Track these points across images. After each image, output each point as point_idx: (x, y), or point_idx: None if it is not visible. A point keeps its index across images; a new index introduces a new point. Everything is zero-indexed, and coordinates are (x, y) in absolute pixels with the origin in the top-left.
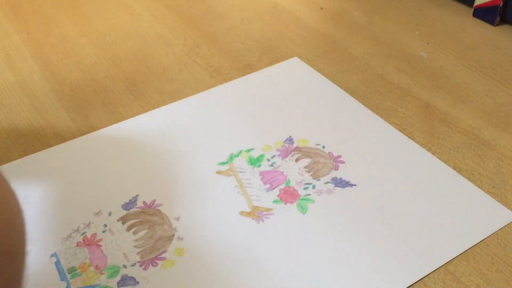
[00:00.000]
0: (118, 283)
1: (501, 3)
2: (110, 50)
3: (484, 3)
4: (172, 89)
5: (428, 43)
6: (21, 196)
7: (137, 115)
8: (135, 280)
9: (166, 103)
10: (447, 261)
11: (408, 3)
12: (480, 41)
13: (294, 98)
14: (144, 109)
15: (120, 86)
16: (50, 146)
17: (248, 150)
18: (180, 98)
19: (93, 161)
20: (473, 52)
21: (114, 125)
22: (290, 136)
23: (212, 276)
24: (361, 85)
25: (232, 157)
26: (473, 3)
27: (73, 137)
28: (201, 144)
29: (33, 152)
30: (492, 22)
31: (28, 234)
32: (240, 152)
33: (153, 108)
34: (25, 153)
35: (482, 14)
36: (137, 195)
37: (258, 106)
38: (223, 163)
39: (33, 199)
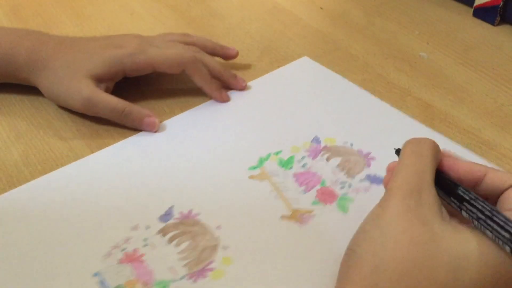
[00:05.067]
0: None
1: (501, 3)
2: None
3: (484, 3)
4: (172, 89)
5: (428, 43)
6: (52, 214)
7: None
8: None
9: (166, 103)
10: None
11: (408, 3)
12: (480, 41)
13: (311, 97)
14: (144, 109)
15: (120, 86)
16: (50, 146)
17: (277, 153)
18: (180, 99)
19: (118, 174)
20: (473, 52)
21: (135, 136)
22: (316, 136)
23: (264, 283)
24: (361, 85)
25: (262, 161)
26: (473, 3)
27: (74, 137)
28: (228, 149)
29: (32, 153)
30: (492, 22)
31: (65, 254)
32: (269, 155)
33: (154, 108)
34: (25, 153)
35: (482, 14)
36: (172, 206)
37: (277, 108)
38: (254, 168)
39: (63, 217)
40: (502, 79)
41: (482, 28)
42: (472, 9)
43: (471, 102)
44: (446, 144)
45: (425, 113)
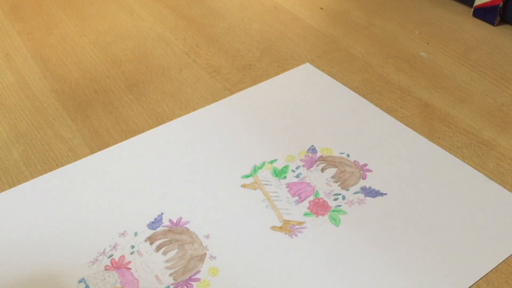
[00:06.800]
0: None
1: (501, 3)
2: (110, 50)
3: (484, 3)
4: (172, 89)
5: (428, 43)
6: (39, 219)
7: (137, 115)
8: None
9: (166, 103)
10: (486, 273)
11: (408, 3)
12: (480, 41)
13: (311, 105)
14: (144, 109)
15: (120, 86)
16: (50, 146)
17: (271, 162)
18: (180, 99)
19: (110, 179)
20: (473, 52)
21: (128, 140)
22: (313, 145)
23: None
24: (361, 85)
25: (255, 169)
26: (473, 3)
27: (74, 137)
28: (221, 157)
29: (33, 153)
30: (492, 22)
31: (53, 259)
32: (263, 163)
33: (154, 108)
34: (25, 153)
35: (482, 14)
36: (162, 213)
37: (275, 115)
38: (247, 176)
39: (51, 222)
40: (502, 79)
41: (482, 28)
42: (472, 9)
43: (471, 102)
44: (445, 157)
45: (425, 113)
